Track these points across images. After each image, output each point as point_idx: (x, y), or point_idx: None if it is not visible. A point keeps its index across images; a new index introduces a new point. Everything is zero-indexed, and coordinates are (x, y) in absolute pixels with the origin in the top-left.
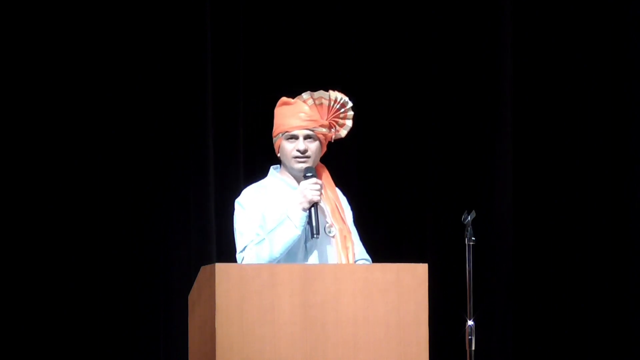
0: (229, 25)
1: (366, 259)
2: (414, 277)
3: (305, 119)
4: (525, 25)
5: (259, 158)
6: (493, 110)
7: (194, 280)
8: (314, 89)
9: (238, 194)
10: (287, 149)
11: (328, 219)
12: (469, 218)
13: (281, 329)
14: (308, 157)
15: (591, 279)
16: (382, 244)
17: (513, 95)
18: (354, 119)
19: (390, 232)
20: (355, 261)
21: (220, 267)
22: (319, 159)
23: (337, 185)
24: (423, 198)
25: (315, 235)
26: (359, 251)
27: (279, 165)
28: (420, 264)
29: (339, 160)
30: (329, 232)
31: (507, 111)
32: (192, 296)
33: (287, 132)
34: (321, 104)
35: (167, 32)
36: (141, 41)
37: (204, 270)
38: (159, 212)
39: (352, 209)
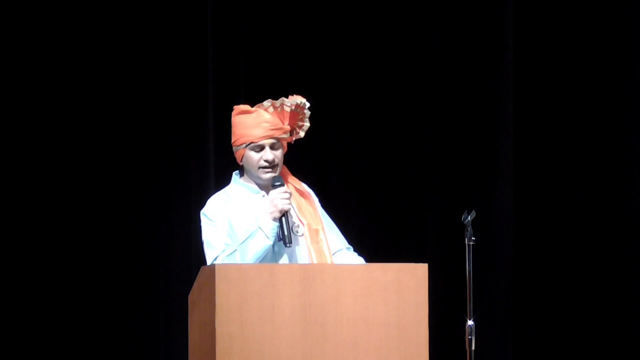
0: (229, 25)
1: (347, 248)
2: (414, 277)
3: (270, 128)
4: (526, 23)
5: None
6: (494, 110)
7: (194, 280)
8: (314, 87)
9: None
10: (254, 158)
11: (294, 218)
12: (469, 218)
13: (281, 329)
14: (275, 165)
15: (592, 278)
16: (382, 244)
17: (514, 95)
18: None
19: (390, 232)
20: (334, 253)
21: (220, 267)
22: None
23: (338, 185)
24: (423, 198)
25: (287, 245)
26: (336, 240)
27: (239, 171)
28: (420, 264)
29: (339, 160)
30: (297, 231)
31: (508, 110)
32: (192, 296)
33: (252, 142)
34: (282, 110)
35: (168, 32)
36: (142, 42)
37: (204, 270)
38: (159, 212)
39: (323, 206)
